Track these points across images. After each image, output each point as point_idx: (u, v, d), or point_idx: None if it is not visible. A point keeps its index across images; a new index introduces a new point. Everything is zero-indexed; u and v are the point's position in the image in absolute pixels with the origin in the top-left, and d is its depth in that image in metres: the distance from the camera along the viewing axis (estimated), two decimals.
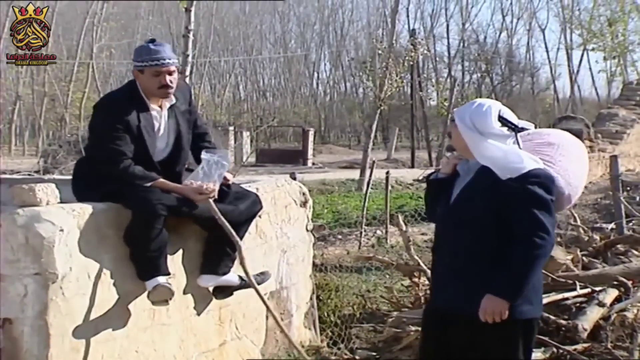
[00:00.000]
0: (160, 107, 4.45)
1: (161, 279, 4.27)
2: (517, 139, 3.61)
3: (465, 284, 3.58)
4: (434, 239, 3.89)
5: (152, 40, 4.43)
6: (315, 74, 62.73)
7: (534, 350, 5.80)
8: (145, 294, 4.29)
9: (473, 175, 3.65)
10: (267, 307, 4.85)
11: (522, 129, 3.64)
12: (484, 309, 3.48)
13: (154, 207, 4.15)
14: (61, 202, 4.05)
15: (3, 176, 7.63)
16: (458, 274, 3.60)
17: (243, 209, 4.62)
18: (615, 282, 7.04)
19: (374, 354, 6.07)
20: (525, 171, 3.51)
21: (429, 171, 4.13)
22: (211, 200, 4.35)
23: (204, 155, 4.42)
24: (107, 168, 4.25)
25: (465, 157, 3.71)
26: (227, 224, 4.40)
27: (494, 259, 3.52)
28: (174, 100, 4.47)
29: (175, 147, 4.52)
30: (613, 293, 6.82)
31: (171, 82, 4.36)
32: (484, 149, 3.57)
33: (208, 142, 4.72)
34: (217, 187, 4.37)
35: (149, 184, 4.26)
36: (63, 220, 3.88)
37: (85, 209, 4.04)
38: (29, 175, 13.35)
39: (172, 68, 4.37)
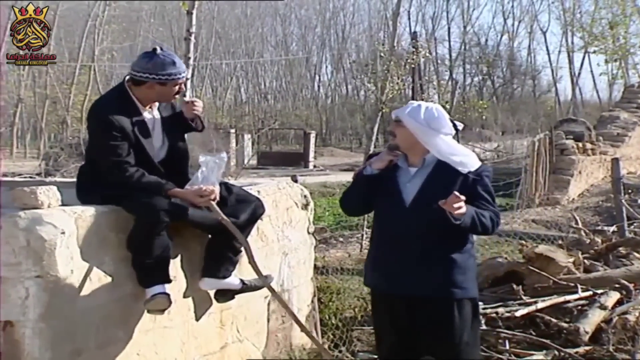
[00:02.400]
0: (151, 107, 4.46)
1: (160, 289, 4.25)
2: (457, 138, 4.15)
3: (439, 268, 3.94)
4: (383, 230, 4.11)
5: (156, 49, 4.41)
6: (317, 77, 62.74)
7: (535, 352, 5.86)
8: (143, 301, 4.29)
9: (432, 169, 4.01)
10: (285, 306, 4.80)
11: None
12: (451, 203, 3.69)
13: (158, 214, 4.14)
14: (63, 204, 4.04)
15: (4, 179, 7.63)
16: (432, 260, 3.93)
17: (245, 218, 4.62)
18: (616, 285, 7.05)
19: (375, 356, 6.05)
20: (479, 165, 4.02)
21: None
22: (213, 202, 4.35)
23: (201, 158, 4.42)
24: (117, 179, 4.22)
25: (410, 154, 4.06)
26: (231, 224, 4.40)
27: (459, 243, 3.98)
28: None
29: (171, 145, 4.52)
30: (615, 296, 6.83)
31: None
32: (441, 145, 3.97)
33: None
34: (217, 189, 4.37)
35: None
36: (64, 222, 3.87)
37: (86, 212, 4.04)
38: (31, 177, 13.37)
39: None
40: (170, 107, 4.63)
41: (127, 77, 4.41)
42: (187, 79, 4.57)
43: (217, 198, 4.37)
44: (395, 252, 4.01)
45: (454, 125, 4.08)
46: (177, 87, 4.39)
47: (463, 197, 3.71)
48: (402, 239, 3.97)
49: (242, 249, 4.69)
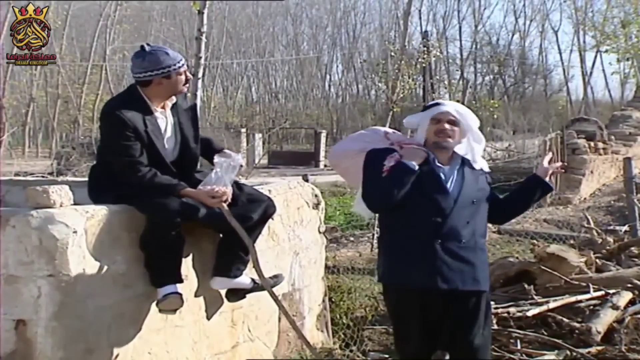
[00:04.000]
0: (164, 108, 4.46)
1: (172, 288, 4.27)
2: None
3: (481, 261, 4.10)
4: (426, 225, 4.03)
5: (144, 47, 4.41)
6: (328, 76, 62.80)
7: (546, 352, 5.85)
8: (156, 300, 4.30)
9: (460, 166, 4.16)
10: (284, 311, 4.83)
11: None
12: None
13: (170, 214, 4.15)
14: (75, 204, 4.06)
15: (17, 178, 7.66)
16: (477, 253, 4.08)
17: (256, 218, 4.62)
18: (629, 285, 7.03)
19: (386, 356, 6.06)
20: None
21: None
22: (224, 204, 4.35)
23: (216, 159, 4.43)
24: (130, 179, 4.23)
25: (441, 152, 4.14)
26: (240, 227, 4.40)
27: (484, 237, 4.20)
28: (174, 100, 4.49)
29: (183, 146, 4.52)
30: (627, 296, 6.81)
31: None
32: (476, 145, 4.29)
33: (215, 148, 4.71)
34: (229, 191, 4.37)
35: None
36: (76, 222, 3.89)
37: (98, 211, 4.06)
38: (43, 177, 13.42)
39: None
40: (190, 109, 4.64)
41: (135, 82, 4.42)
42: (185, 64, 4.50)
43: (229, 200, 4.38)
44: (443, 249, 4.01)
45: None
46: (182, 77, 4.39)
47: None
48: (450, 235, 4.01)
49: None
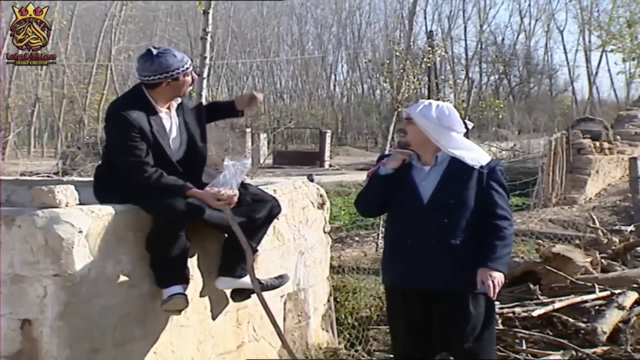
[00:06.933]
0: (169, 108, 4.46)
1: (178, 289, 4.27)
2: (467, 136, 4.30)
3: (458, 262, 4.00)
4: (401, 228, 4.15)
5: (151, 50, 4.40)
6: (333, 76, 62.73)
7: (552, 352, 5.84)
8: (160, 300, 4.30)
9: (446, 166, 4.11)
10: (271, 317, 4.71)
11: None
12: (491, 281, 3.91)
13: (176, 215, 4.16)
14: (80, 203, 4.06)
15: (22, 178, 7.68)
16: (452, 254, 4.00)
17: (261, 218, 4.63)
18: (634, 285, 7.01)
19: (391, 356, 6.05)
20: (489, 160, 4.14)
21: None
22: (228, 207, 4.35)
23: (226, 161, 4.43)
24: (136, 180, 4.24)
25: (422, 152, 4.15)
26: (240, 231, 4.40)
27: (479, 236, 4.03)
28: (180, 100, 4.50)
29: (189, 145, 4.53)
30: (633, 296, 6.80)
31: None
32: (451, 142, 4.09)
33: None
34: (235, 194, 4.37)
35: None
36: (82, 221, 3.89)
37: (104, 211, 4.06)
38: (48, 177, 13.44)
39: None
40: (196, 108, 4.66)
41: (139, 83, 4.42)
42: (193, 66, 4.55)
43: (234, 203, 4.38)
44: (413, 249, 4.06)
45: (464, 124, 4.20)
46: (189, 78, 4.41)
47: (496, 282, 3.92)
48: (420, 236, 4.04)
49: (258, 249, 4.70)
